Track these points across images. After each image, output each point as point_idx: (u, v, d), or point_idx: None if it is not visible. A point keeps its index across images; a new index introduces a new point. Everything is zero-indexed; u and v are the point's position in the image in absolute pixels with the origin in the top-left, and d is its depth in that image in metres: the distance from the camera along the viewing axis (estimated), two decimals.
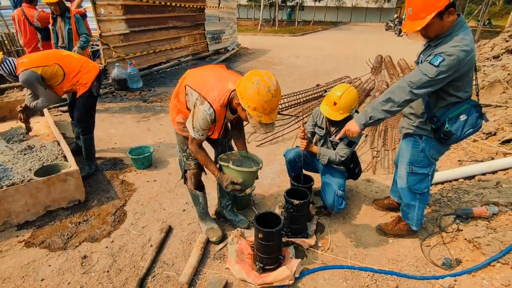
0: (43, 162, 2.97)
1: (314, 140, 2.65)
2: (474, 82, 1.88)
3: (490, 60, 5.86)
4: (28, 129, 3.41)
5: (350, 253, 2.26)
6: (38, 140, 3.56)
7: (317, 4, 34.68)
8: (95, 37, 6.56)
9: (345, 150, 2.32)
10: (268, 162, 3.60)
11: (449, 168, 3.14)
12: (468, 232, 2.19)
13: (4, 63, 2.73)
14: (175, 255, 2.23)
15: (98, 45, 6.74)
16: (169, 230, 2.46)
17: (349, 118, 2.31)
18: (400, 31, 19.93)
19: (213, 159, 2.33)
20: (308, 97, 5.85)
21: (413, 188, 2.14)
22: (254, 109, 1.66)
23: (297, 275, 2.00)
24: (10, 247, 2.26)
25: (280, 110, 5.11)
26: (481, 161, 3.04)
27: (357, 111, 2.35)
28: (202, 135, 1.91)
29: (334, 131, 2.47)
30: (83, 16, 5.14)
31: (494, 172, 2.84)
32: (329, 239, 2.40)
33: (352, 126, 1.99)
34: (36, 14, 4.87)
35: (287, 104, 5.40)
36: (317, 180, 2.78)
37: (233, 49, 11.65)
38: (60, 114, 4.95)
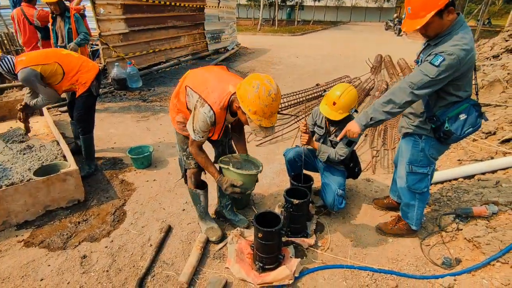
0: (43, 162, 2.97)
1: (313, 139, 2.65)
2: (473, 82, 1.88)
3: (490, 59, 5.86)
4: (27, 129, 3.40)
5: (350, 252, 2.26)
6: (37, 140, 3.55)
7: (316, 3, 34.69)
8: (94, 37, 6.55)
9: (345, 150, 2.32)
10: (267, 161, 3.60)
11: (448, 168, 3.14)
12: (467, 232, 2.19)
13: (3, 60, 2.72)
14: (175, 254, 2.22)
15: (97, 45, 6.73)
16: (169, 230, 2.46)
17: (348, 117, 2.31)
18: (400, 30, 19.94)
19: (213, 158, 2.33)
20: (307, 97, 5.85)
21: (412, 187, 2.14)
22: (255, 112, 1.66)
23: (296, 275, 2.00)
24: (9, 246, 2.26)
25: (279, 110, 5.11)
26: (481, 160, 3.04)
27: (356, 111, 2.35)
28: (202, 137, 1.91)
29: (334, 131, 2.47)
30: (83, 15, 5.14)
31: (493, 172, 2.84)
32: (329, 238, 2.40)
33: (353, 127, 1.98)
34: (36, 13, 4.86)
35: (286, 104, 5.40)
36: (317, 179, 2.77)
37: (232, 48, 11.65)
38: (59, 114, 4.95)
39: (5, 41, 7.23)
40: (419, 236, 2.37)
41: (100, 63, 6.38)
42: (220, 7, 10.71)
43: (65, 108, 4.86)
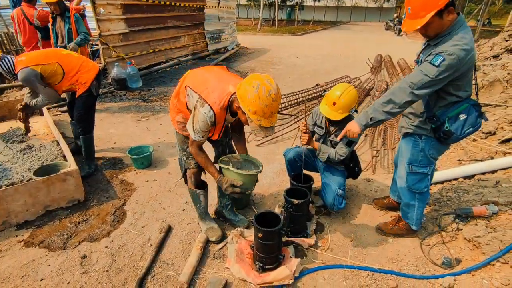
0: (43, 162, 2.97)
1: (313, 139, 2.65)
2: (473, 82, 1.88)
3: (490, 59, 5.86)
4: (27, 129, 3.40)
5: (350, 252, 2.26)
6: (37, 140, 3.55)
7: (316, 3, 34.68)
8: (94, 37, 6.55)
9: (344, 150, 2.32)
10: (267, 161, 3.60)
11: (448, 168, 3.14)
12: (467, 232, 2.19)
13: (3, 60, 2.72)
14: (175, 254, 2.22)
15: (97, 45, 6.73)
16: (169, 230, 2.46)
17: (348, 117, 2.31)
18: (400, 30, 19.93)
19: (213, 158, 2.33)
20: (307, 97, 5.85)
21: (412, 187, 2.14)
22: (255, 113, 1.66)
23: (296, 275, 2.00)
24: (9, 246, 2.26)
25: (279, 110, 5.11)
26: (481, 160, 3.04)
27: (356, 111, 2.35)
28: (202, 137, 1.92)
29: (334, 131, 2.47)
30: (83, 15, 5.14)
31: (493, 172, 2.84)
32: (329, 238, 2.40)
33: (353, 127, 1.98)
34: (36, 13, 4.86)
35: (286, 104, 5.40)
36: (317, 179, 2.77)
37: (232, 48, 11.65)
38: (59, 114, 4.95)
39: (5, 41, 7.23)
40: (419, 236, 2.37)
41: (100, 63, 6.38)
42: (220, 7, 10.71)
43: (65, 108, 4.86)
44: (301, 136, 2.38)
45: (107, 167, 3.39)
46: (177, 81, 2.09)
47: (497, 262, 1.93)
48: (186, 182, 2.36)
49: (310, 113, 2.69)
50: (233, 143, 2.38)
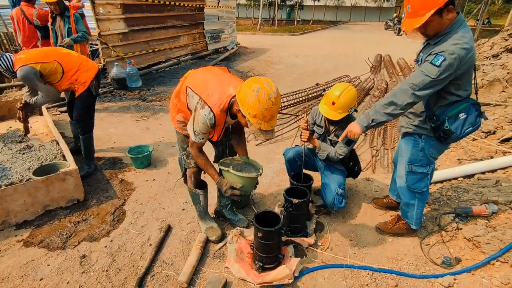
0: (42, 162, 2.97)
1: (314, 137, 2.64)
2: (473, 81, 1.87)
3: (490, 59, 5.86)
4: (27, 129, 3.40)
5: (350, 252, 2.26)
6: (37, 140, 3.55)
7: (316, 3, 34.68)
8: (94, 36, 6.55)
9: (344, 149, 2.32)
10: (267, 161, 3.60)
11: (448, 167, 3.14)
12: (467, 231, 2.20)
13: (1, 58, 2.71)
14: (175, 254, 2.22)
15: (97, 44, 6.73)
16: (168, 229, 2.46)
17: (348, 117, 2.31)
18: (400, 30, 19.93)
19: (213, 158, 2.33)
20: (307, 96, 5.84)
21: (412, 187, 2.14)
22: (254, 116, 1.66)
23: (296, 274, 2.00)
24: (8, 246, 2.26)
25: (279, 110, 5.10)
26: (481, 160, 3.05)
27: (356, 110, 2.35)
28: (203, 139, 1.92)
29: (333, 130, 2.47)
30: (82, 15, 5.13)
31: (493, 171, 2.84)
32: (329, 238, 2.40)
33: (354, 128, 1.98)
34: (35, 12, 4.86)
35: (286, 104, 5.40)
36: (317, 179, 2.77)
37: (232, 48, 11.64)
38: (59, 114, 4.94)
39: (5, 41, 7.22)
40: (419, 236, 2.37)
41: (100, 63, 6.38)
42: (220, 6, 10.71)
43: (64, 108, 4.86)
44: (301, 133, 2.38)
45: (107, 167, 3.38)
46: (177, 81, 2.10)
47: (496, 261, 1.93)
48: (185, 181, 2.36)
49: (309, 113, 2.68)
50: (233, 144, 2.38)
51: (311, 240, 2.32)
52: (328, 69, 9.10)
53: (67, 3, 4.80)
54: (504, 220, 2.17)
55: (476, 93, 1.99)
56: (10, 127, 3.88)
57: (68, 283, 1.97)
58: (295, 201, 2.18)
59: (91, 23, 6.10)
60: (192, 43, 9.26)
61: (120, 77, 6.11)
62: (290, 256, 2.15)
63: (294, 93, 5.76)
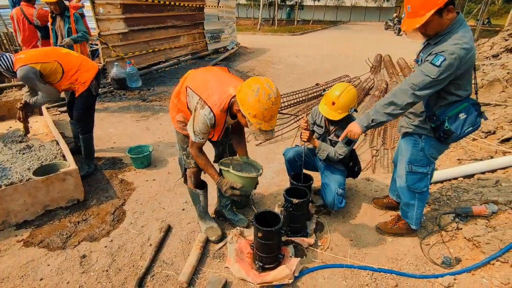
0: (42, 162, 2.97)
1: (314, 136, 2.64)
2: (473, 81, 1.87)
3: (490, 59, 5.86)
4: (27, 129, 3.40)
5: (350, 252, 2.26)
6: (37, 140, 3.55)
7: (316, 3, 34.68)
8: (94, 37, 6.55)
9: (344, 149, 2.32)
10: (267, 161, 3.60)
11: (448, 167, 3.14)
12: (467, 231, 2.20)
13: (1, 58, 2.71)
14: (175, 254, 2.22)
15: (97, 45, 6.73)
16: (168, 229, 2.46)
17: (348, 117, 2.31)
18: (400, 30, 19.94)
19: (213, 158, 2.33)
20: (307, 96, 5.84)
21: (412, 187, 2.14)
22: (254, 116, 1.66)
23: (296, 274, 2.00)
24: (8, 246, 2.25)
25: (279, 110, 5.10)
26: (481, 160, 3.05)
27: (356, 110, 2.35)
28: (203, 139, 1.92)
29: (333, 130, 2.47)
30: (82, 15, 5.13)
31: (493, 171, 2.84)
32: (329, 238, 2.40)
33: (354, 128, 1.98)
34: (35, 12, 4.86)
35: (286, 104, 5.40)
36: (317, 179, 2.77)
37: (232, 48, 11.64)
38: (59, 114, 4.94)
39: (4, 41, 7.22)
40: (418, 236, 2.37)
41: (100, 63, 6.38)
42: (220, 6, 10.71)
43: (64, 108, 4.86)
44: (301, 133, 2.38)
45: (107, 167, 3.38)
46: (177, 81, 2.10)
47: (496, 261, 1.93)
48: (185, 181, 2.36)
49: (309, 113, 2.68)
50: (233, 144, 2.38)
51: (311, 240, 2.32)
52: (328, 69, 9.10)
53: (67, 3, 4.80)
54: (504, 220, 2.17)
55: (476, 93, 1.99)
56: (10, 127, 3.88)
57: (68, 283, 1.97)
58: (295, 201, 2.18)
59: (91, 23, 6.10)
60: (192, 43, 9.26)
61: (120, 77, 6.11)
62: (290, 256, 2.15)
63: (294, 93, 5.76)
